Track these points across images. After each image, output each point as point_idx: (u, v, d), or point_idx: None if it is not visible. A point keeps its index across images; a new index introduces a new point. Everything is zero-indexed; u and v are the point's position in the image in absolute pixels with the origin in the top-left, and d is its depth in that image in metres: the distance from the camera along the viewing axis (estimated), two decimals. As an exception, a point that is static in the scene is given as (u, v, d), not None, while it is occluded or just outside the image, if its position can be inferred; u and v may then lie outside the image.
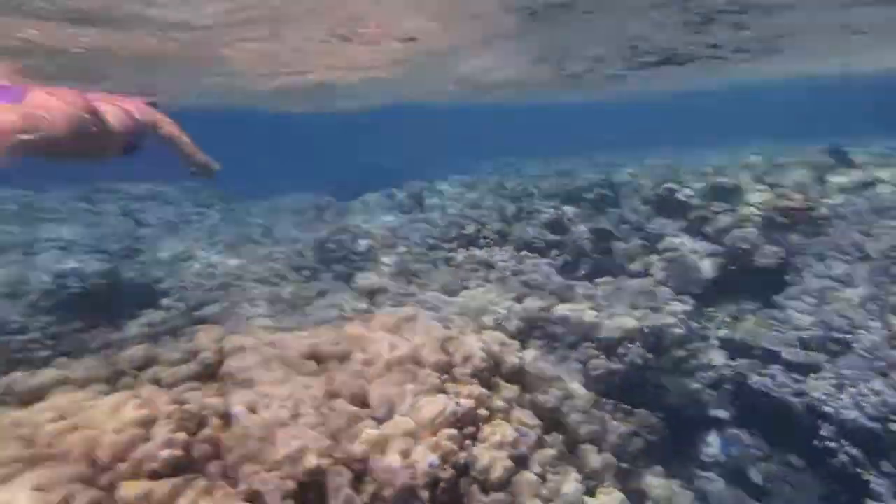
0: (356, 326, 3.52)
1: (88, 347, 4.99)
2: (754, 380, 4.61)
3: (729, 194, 6.70)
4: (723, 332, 5.64)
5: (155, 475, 2.13)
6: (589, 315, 4.72)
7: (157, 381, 2.86)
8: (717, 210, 6.59)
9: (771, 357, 4.93)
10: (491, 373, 3.23)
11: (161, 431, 2.23)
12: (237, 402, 2.65)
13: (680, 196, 6.97)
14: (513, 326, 4.59)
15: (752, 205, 6.06)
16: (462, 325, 3.46)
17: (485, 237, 7.36)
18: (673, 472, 4.27)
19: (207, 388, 2.79)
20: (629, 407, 4.24)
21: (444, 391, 2.84)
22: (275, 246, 8.05)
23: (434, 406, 2.69)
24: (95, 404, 2.42)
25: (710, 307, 5.97)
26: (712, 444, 4.98)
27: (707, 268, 5.94)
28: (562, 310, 4.91)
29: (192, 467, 2.23)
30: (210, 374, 3.07)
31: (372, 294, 5.81)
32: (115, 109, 3.68)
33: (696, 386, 4.83)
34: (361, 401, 2.72)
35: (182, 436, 2.25)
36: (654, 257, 6.81)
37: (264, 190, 13.28)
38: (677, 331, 4.81)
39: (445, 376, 2.96)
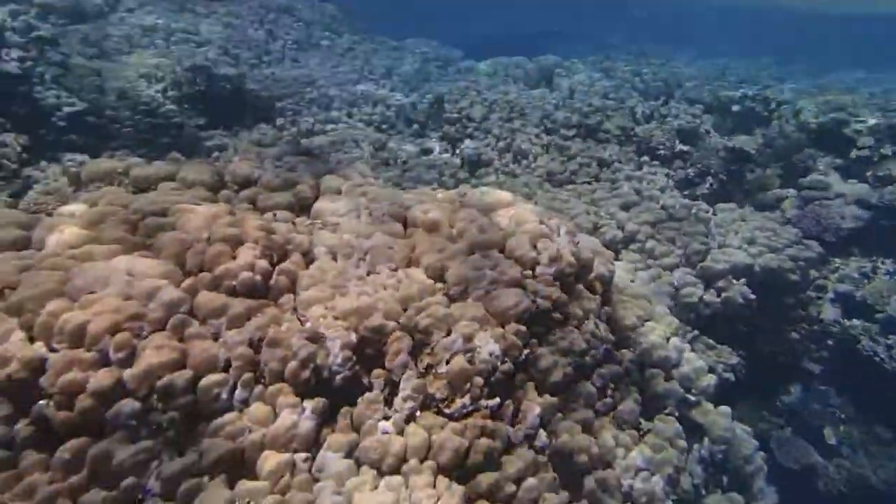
0: (450, 197, 3.43)
1: (205, 145, 5.27)
2: (865, 343, 4.18)
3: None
4: (844, 287, 5.10)
5: (233, 292, 2.24)
6: (698, 241, 4.35)
7: (252, 202, 2.95)
8: (887, 154, 5.66)
9: (893, 326, 4.43)
10: (576, 278, 3.08)
11: (246, 254, 2.30)
12: (320, 243, 2.69)
13: (847, 131, 6.02)
14: (610, 234, 4.33)
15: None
16: (556, 223, 3.26)
17: (606, 131, 6.85)
18: (742, 414, 4.12)
19: (298, 223, 2.85)
20: (712, 342, 4.01)
21: (522, 286, 2.75)
22: (392, 91, 7.92)
23: (508, 298, 2.61)
24: (194, 210, 2.52)
25: (839, 258, 5.37)
26: (792, 393, 4.74)
27: (849, 215, 5.24)
28: (669, 228, 4.56)
29: (268, 294, 2.32)
30: (304, 206, 3.13)
31: (476, 164, 5.65)
32: None
33: (794, 336, 4.47)
34: (438, 275, 2.69)
35: (264, 263, 2.32)
36: (790, 191, 6.10)
37: (398, 30, 12.91)
38: (792, 277, 4.37)
39: (528, 272, 2.84)
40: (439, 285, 2.68)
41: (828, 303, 4.76)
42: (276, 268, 2.38)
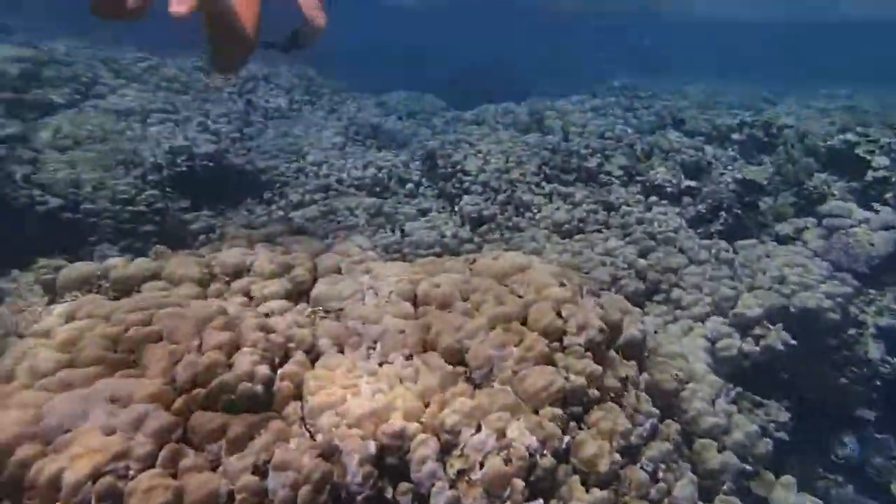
0: (459, 265, 3.27)
1: (191, 229, 5.14)
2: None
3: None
4: (885, 321, 4.91)
5: (231, 407, 2.03)
6: (726, 285, 4.18)
7: (247, 293, 2.77)
8: (908, 175, 5.58)
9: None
10: (607, 345, 2.89)
11: (244, 361, 2.11)
12: (324, 335, 2.50)
13: (859, 151, 5.95)
14: (632, 286, 4.16)
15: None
16: (578, 283, 3.09)
17: (608, 173, 6.77)
18: (794, 472, 3.85)
19: (296, 312, 2.67)
20: (759, 398, 3.78)
21: (552, 362, 2.55)
22: (380, 151, 7.88)
23: (540, 378, 2.41)
24: (182, 314, 2.33)
25: (874, 289, 5.19)
26: (847, 445, 4.48)
27: (880, 243, 5.10)
28: (691, 273, 4.39)
29: (271, 405, 2.12)
30: (302, 292, 2.96)
31: (478, 221, 5.52)
32: None
33: (842, 381, 4.25)
34: (458, 358, 2.49)
35: (264, 369, 2.13)
36: (809, 221, 5.98)
37: (378, 82, 13.04)
38: (832, 316, 4.18)
39: (556, 344, 2.66)
40: (460, 369, 2.49)
41: (870, 339, 4.56)
42: (278, 372, 2.19)
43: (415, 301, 2.85)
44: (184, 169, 5.27)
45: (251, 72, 9.30)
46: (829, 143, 6.39)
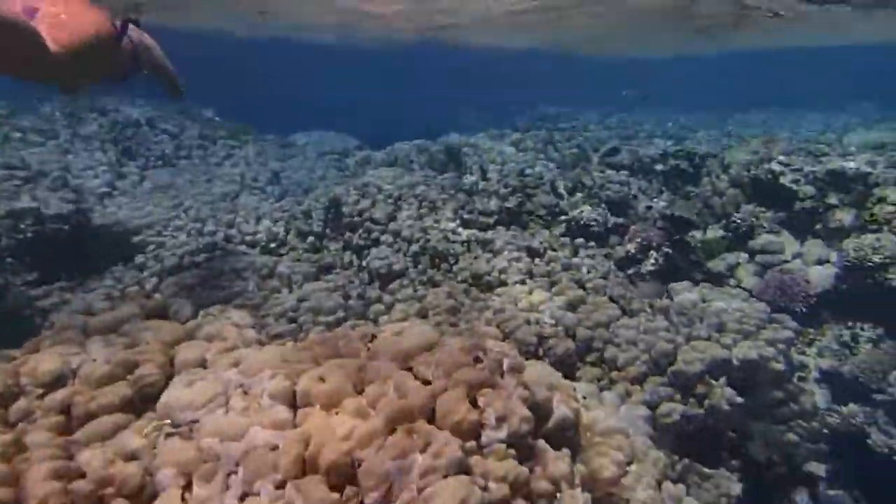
0: (354, 346, 2.85)
1: (39, 307, 4.47)
2: (876, 438, 3.83)
3: (853, 183, 5.68)
4: (826, 364, 4.85)
5: None
6: (663, 338, 3.96)
7: (65, 410, 2.23)
8: (834, 203, 5.65)
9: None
10: (534, 434, 2.53)
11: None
12: (166, 464, 2.01)
13: (784, 181, 6.02)
14: (561, 348, 3.86)
15: (888, 202, 5.09)
16: (497, 356, 2.75)
17: (530, 213, 6.59)
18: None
19: (130, 433, 2.16)
20: (706, 470, 3.53)
21: (467, 469, 2.16)
22: (280, 199, 7.41)
23: (452, 495, 2.01)
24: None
25: (813, 327, 5.16)
26: (799, 504, 4.30)
27: (815, 279, 5.08)
28: (625, 326, 4.16)
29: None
30: (149, 397, 2.45)
31: (387, 276, 5.13)
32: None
33: (791, 437, 4.07)
34: (347, 477, 2.06)
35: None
36: (742, 256, 5.97)
37: (288, 125, 12.62)
38: (776, 366, 4.03)
39: (471, 444, 2.27)
40: (351, 491, 2.05)
41: (814, 385, 4.47)
42: (89, 535, 1.69)
43: (294, 401, 2.40)
44: (29, 235, 4.62)
45: (131, 117, 8.64)
46: (752, 172, 6.47)
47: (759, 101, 17.53)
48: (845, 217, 5.42)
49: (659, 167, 8.43)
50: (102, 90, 8.18)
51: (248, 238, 5.64)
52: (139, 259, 5.24)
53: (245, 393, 2.43)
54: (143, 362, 2.52)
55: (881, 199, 5.15)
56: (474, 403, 2.48)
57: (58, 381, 2.26)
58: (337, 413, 2.30)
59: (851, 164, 5.71)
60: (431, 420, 2.38)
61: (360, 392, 2.50)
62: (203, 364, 2.71)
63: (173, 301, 3.84)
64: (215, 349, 2.81)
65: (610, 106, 14.72)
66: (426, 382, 2.57)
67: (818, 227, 5.68)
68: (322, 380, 2.43)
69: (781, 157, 6.25)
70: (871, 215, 5.17)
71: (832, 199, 5.65)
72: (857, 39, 14.70)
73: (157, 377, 2.48)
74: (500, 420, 2.40)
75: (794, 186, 5.95)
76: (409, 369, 2.67)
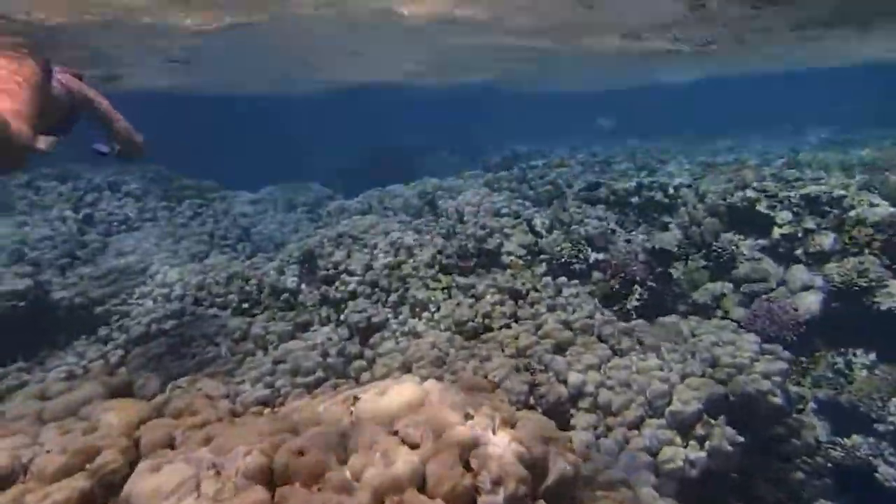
0: (336, 411, 2.68)
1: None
2: (884, 471, 3.71)
3: (828, 206, 5.71)
4: (823, 394, 4.76)
5: None
6: (657, 377, 3.84)
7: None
8: (811, 227, 5.67)
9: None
10: (533, 496, 2.37)
11: None
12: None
13: (761, 208, 6.04)
14: (553, 395, 3.71)
15: (867, 224, 5.10)
16: (489, 411, 2.60)
17: (509, 253, 6.51)
18: None
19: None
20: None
21: (463, 546, 1.99)
22: (252, 256, 7.23)
23: (448, 578, 1.84)
24: None
25: (805, 356, 5.09)
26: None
27: (803, 306, 5.03)
28: (617, 367, 4.03)
29: None
30: (111, 485, 2.25)
31: (367, 330, 4.96)
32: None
33: (797, 475, 3.94)
34: (332, 567, 1.88)
35: None
36: (727, 286, 5.92)
37: (259, 177, 12.53)
38: (774, 400, 3.92)
39: (466, 515, 2.11)
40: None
41: (812, 416, 4.37)
42: None
43: (271, 479, 2.22)
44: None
45: (92, 182, 8.46)
46: (728, 200, 6.50)
47: (721, 128, 17.94)
48: (825, 241, 5.43)
49: (634, 199, 8.44)
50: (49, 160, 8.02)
51: (218, 300, 5.44)
52: (103, 331, 5.01)
53: (218, 473, 2.24)
54: (104, 448, 2.32)
55: (859, 222, 5.17)
56: (467, 466, 2.33)
57: (6, 480, 2.06)
58: (319, 490, 2.12)
59: (824, 188, 5.76)
60: (423, 488, 2.22)
61: (343, 462, 2.33)
62: (171, 444, 2.52)
63: (139, 375, 3.63)
64: (184, 426, 2.62)
65: (580, 135, 14.90)
66: (414, 446, 2.42)
67: (798, 251, 5.68)
68: (301, 453, 2.25)
69: (755, 184, 6.28)
70: (850, 238, 5.18)
71: (809, 224, 5.67)
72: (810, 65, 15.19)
73: (120, 464, 2.29)
74: (496, 483, 2.24)
75: (771, 213, 5.97)
76: (396, 433, 2.50)
